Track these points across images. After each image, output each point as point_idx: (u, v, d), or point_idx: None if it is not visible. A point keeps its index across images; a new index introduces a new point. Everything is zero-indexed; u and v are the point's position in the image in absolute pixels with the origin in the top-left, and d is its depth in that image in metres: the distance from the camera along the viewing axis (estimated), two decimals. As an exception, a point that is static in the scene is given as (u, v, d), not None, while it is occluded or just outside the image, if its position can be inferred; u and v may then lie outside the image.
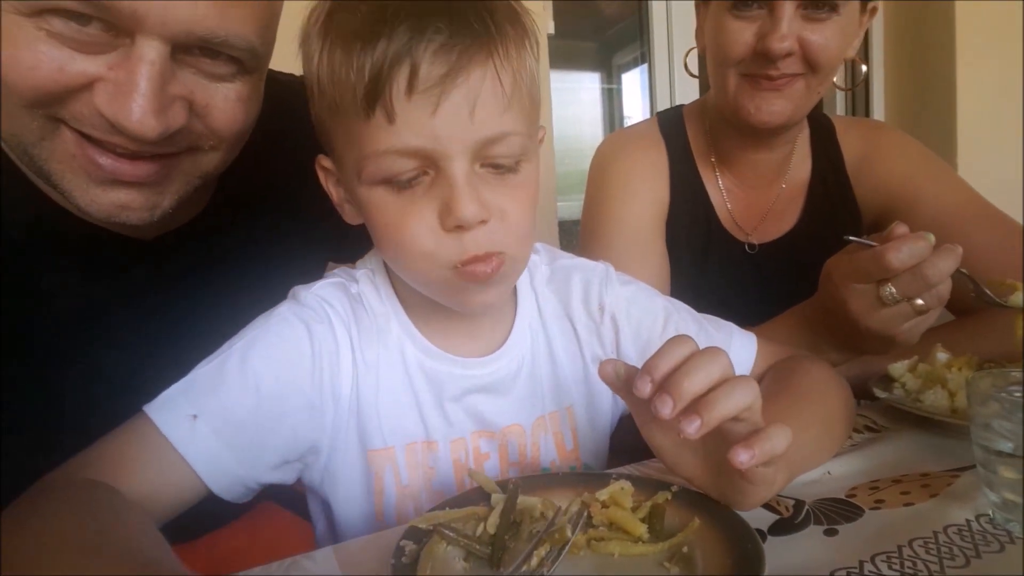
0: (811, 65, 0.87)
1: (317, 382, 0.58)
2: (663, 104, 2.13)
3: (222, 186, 0.70)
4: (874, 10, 0.93)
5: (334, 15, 0.51)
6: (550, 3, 1.73)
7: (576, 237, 1.06)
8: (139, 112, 0.51)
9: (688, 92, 2.01)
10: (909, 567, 0.47)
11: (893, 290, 0.67)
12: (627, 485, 0.53)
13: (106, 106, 0.52)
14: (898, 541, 0.50)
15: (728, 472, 0.47)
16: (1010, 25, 1.98)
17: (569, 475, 0.60)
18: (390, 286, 0.62)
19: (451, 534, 0.48)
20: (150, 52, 0.51)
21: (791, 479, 0.54)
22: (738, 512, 0.50)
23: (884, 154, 1.03)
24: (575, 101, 2.25)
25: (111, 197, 0.56)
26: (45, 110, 0.53)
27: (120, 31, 0.51)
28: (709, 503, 0.51)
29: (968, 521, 0.53)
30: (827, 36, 0.86)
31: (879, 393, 0.75)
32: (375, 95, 0.48)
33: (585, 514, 0.51)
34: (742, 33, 0.87)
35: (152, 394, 0.55)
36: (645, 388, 0.45)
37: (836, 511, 0.55)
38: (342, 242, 0.73)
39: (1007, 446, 0.51)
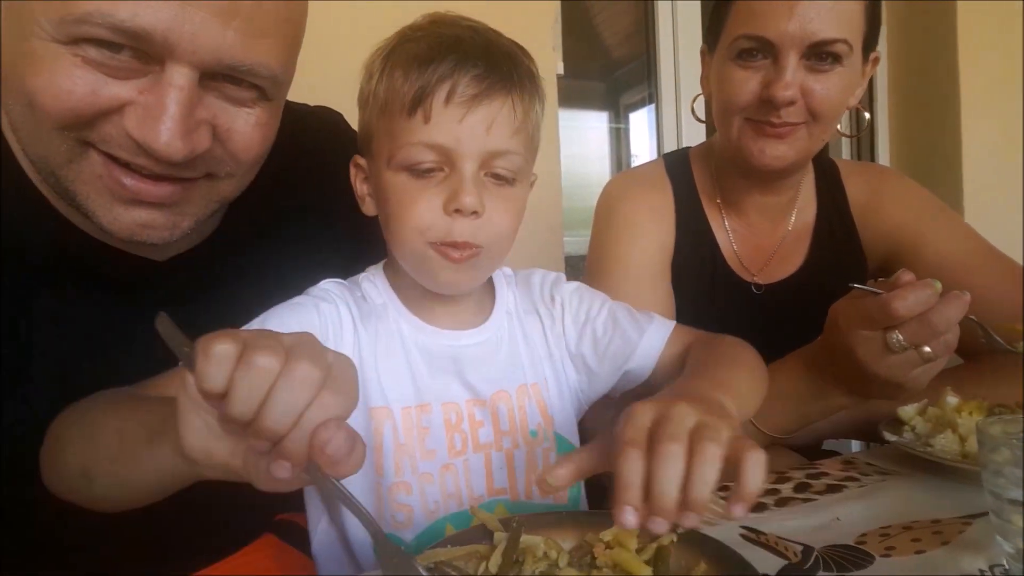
0: (813, 114, 0.89)
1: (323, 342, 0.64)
2: (670, 143, 2.15)
3: (234, 207, 0.72)
4: (876, 60, 0.95)
5: (399, 46, 0.65)
6: (560, 44, 1.77)
7: (581, 273, 1.07)
8: (167, 135, 0.54)
9: (694, 131, 2.03)
10: (922, 618, 0.46)
11: (900, 337, 0.67)
12: None
13: (136, 128, 0.54)
14: (910, 591, 0.49)
15: None
16: (1013, 74, 2.01)
17: (572, 514, 0.59)
18: (388, 284, 0.72)
19: (453, 573, 0.47)
20: (179, 78, 0.54)
21: (741, 420, 0.57)
22: (744, 557, 0.49)
23: (889, 199, 1.04)
24: (583, 140, 2.28)
25: (133, 216, 0.58)
26: (76, 133, 0.55)
27: (151, 58, 0.53)
28: (715, 545, 0.50)
29: (981, 571, 0.52)
30: (829, 86, 0.88)
31: (888, 436, 0.75)
32: (419, 100, 0.61)
33: (589, 555, 0.50)
34: (747, 82, 0.89)
35: None
36: (629, 519, 0.44)
37: (846, 558, 0.54)
38: (352, 264, 0.74)
39: (1020, 494, 0.50)
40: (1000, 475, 0.51)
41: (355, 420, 0.64)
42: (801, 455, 0.87)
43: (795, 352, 0.83)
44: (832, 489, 0.68)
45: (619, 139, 2.34)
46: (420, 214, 0.63)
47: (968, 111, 2.02)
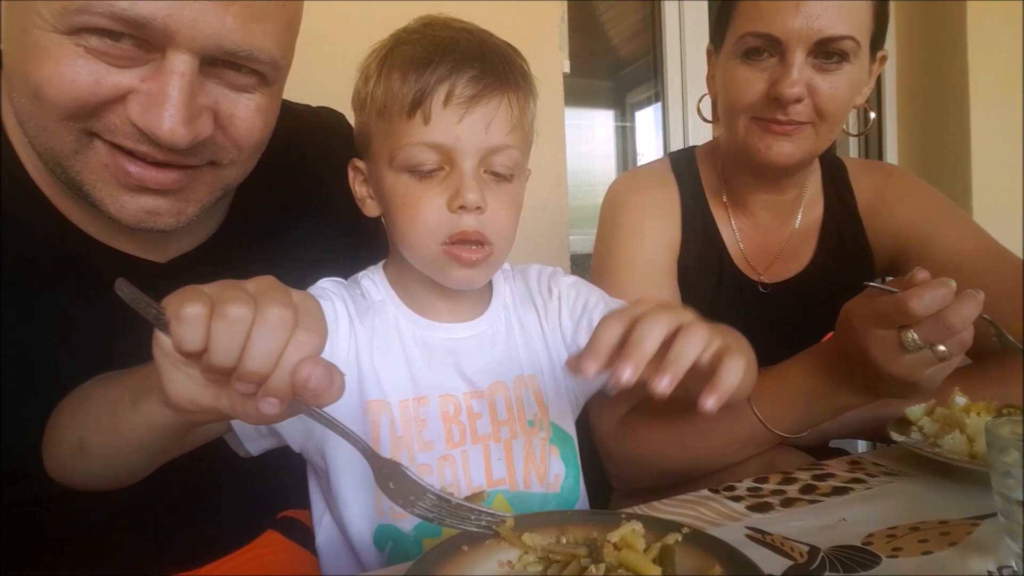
0: (820, 112, 0.88)
1: None
2: (676, 141, 2.14)
3: (236, 207, 0.72)
4: (883, 58, 0.95)
5: (395, 49, 0.66)
6: (566, 43, 1.77)
7: (588, 271, 1.06)
8: (170, 121, 0.54)
9: (701, 130, 2.03)
10: (929, 620, 0.46)
11: (915, 336, 0.66)
12: (638, 527, 0.52)
13: (139, 116, 0.54)
14: (917, 592, 0.49)
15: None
16: (1021, 73, 1.99)
17: (579, 514, 0.59)
18: (387, 281, 0.73)
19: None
20: (181, 65, 0.54)
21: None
22: (751, 558, 0.49)
23: (896, 197, 1.03)
24: (589, 138, 2.28)
25: (140, 203, 0.59)
26: (81, 123, 0.55)
27: (152, 46, 0.54)
28: (721, 546, 0.50)
29: (989, 572, 0.51)
30: (836, 84, 0.87)
31: (896, 437, 0.74)
32: (418, 102, 0.63)
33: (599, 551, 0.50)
34: (753, 81, 0.88)
35: None
36: (591, 368, 0.50)
37: (852, 558, 0.54)
38: (353, 263, 0.75)
39: (1028, 495, 0.50)
40: (1009, 476, 0.51)
41: (350, 417, 0.66)
42: (808, 454, 0.87)
43: (805, 351, 0.82)
44: (838, 491, 0.67)
45: (625, 137, 2.33)
46: (426, 215, 0.64)
47: (977, 109, 2.01)
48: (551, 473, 0.71)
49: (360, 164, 0.71)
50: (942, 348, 0.66)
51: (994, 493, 0.52)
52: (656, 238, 1.00)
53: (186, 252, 0.70)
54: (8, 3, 0.55)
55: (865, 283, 0.71)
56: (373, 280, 0.73)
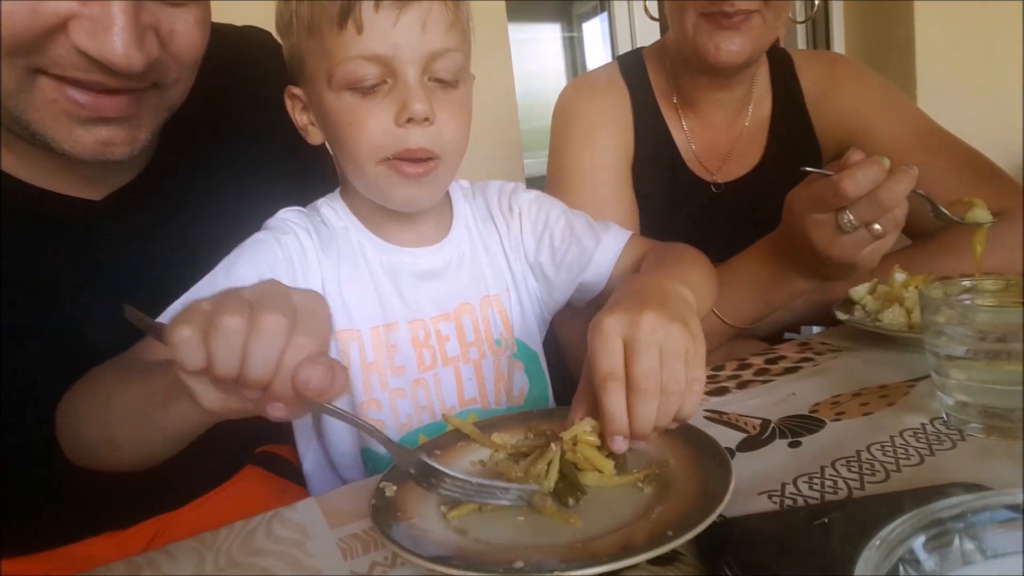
0: None
1: (291, 280, 0.66)
2: (625, 51, 2.10)
3: (165, 137, 0.69)
4: None
5: None
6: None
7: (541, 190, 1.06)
8: (122, 45, 0.52)
9: (649, 36, 1.97)
10: (867, 468, 0.50)
11: (851, 217, 0.68)
12: (592, 423, 0.53)
13: (87, 43, 0.52)
14: (857, 447, 0.53)
15: None
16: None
17: (541, 412, 0.61)
18: (345, 207, 0.71)
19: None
20: None
21: (699, 314, 0.59)
22: (706, 432, 0.52)
23: (841, 85, 1.04)
24: (536, 54, 2.22)
25: (94, 135, 0.58)
26: (24, 60, 0.53)
27: None
28: (677, 429, 0.53)
29: (923, 424, 0.55)
30: None
31: (841, 316, 0.78)
32: (348, 10, 0.59)
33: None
34: None
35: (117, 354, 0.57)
36: (620, 446, 0.50)
37: (800, 425, 0.58)
38: (304, 187, 0.73)
39: (959, 350, 0.53)
40: (941, 335, 0.54)
41: None
42: (764, 343, 0.91)
43: (756, 242, 0.85)
44: (789, 371, 0.71)
45: (574, 49, 2.27)
46: (371, 133, 0.61)
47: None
48: (515, 388, 0.73)
49: (296, 91, 0.67)
50: (877, 227, 0.68)
51: (927, 353, 0.56)
52: (608, 144, 1.00)
53: (120, 187, 0.68)
54: None
55: (802, 168, 0.72)
56: (333, 208, 0.71)
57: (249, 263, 0.64)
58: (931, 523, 0.30)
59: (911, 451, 0.51)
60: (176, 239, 0.69)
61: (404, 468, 0.48)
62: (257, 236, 0.67)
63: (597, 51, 2.22)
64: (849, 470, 0.50)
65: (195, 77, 0.64)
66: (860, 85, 1.04)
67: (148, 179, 0.69)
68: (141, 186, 0.69)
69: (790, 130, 1.06)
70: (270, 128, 0.75)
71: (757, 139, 1.05)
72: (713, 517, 0.41)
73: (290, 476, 0.81)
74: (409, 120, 0.61)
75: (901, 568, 0.29)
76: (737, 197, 1.04)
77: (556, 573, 0.38)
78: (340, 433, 0.69)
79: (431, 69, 0.62)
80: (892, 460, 0.50)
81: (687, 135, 1.04)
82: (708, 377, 0.72)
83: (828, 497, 0.47)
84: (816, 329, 0.92)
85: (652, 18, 1.09)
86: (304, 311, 0.44)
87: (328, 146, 0.71)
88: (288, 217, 0.69)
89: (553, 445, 0.51)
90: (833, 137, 1.05)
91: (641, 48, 1.10)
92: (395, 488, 0.49)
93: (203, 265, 0.63)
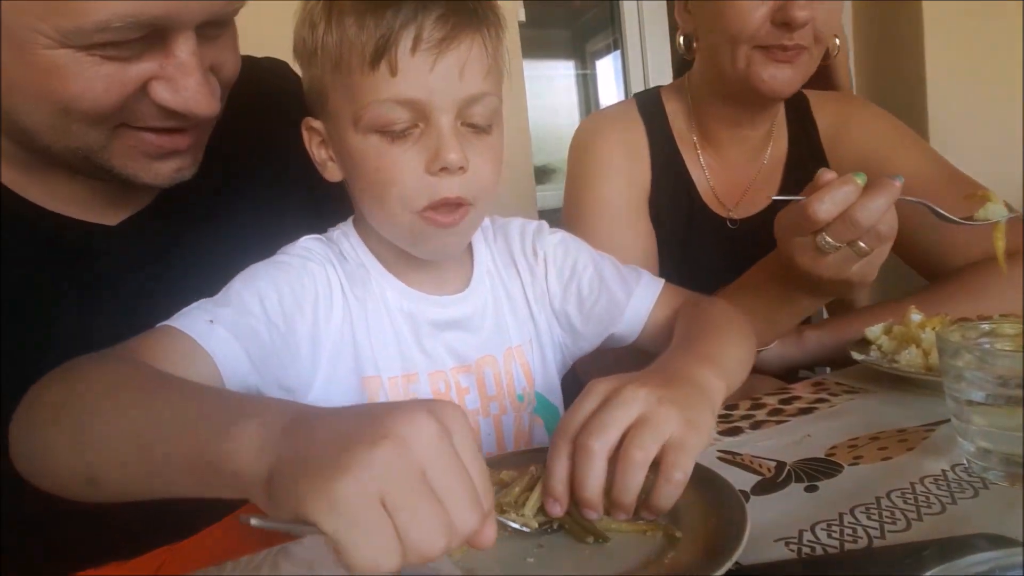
0: (816, 35, 0.89)
1: (315, 310, 0.63)
2: (637, 89, 2.13)
3: None
4: None
5: None
6: (521, -8, 1.73)
7: (556, 225, 1.07)
8: (202, 97, 0.60)
9: (661, 75, 2.01)
10: (888, 516, 0.48)
11: (828, 238, 0.66)
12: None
13: (170, 99, 0.59)
14: (876, 493, 0.51)
15: None
16: (976, -2, 2.00)
17: (542, 450, 0.61)
18: (363, 244, 0.68)
19: None
20: (188, 43, 0.58)
21: (730, 391, 0.57)
22: (720, 474, 0.51)
23: (855, 125, 1.05)
24: (550, 90, 2.26)
25: (170, 166, 0.65)
26: (113, 122, 0.59)
27: (155, 33, 0.56)
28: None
29: (944, 471, 0.54)
30: (830, 6, 0.88)
31: (856, 356, 0.77)
32: (383, 51, 0.56)
33: None
34: (755, 9, 0.87)
35: None
36: (555, 510, 0.47)
37: (816, 469, 0.57)
38: (316, 219, 0.73)
39: (979, 395, 0.52)
40: (961, 379, 0.53)
41: (347, 394, 0.64)
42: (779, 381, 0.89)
43: (756, 264, 0.84)
44: (804, 411, 0.70)
45: (587, 86, 2.31)
46: (402, 181, 0.58)
47: (932, 36, 2.02)
48: (535, 444, 0.70)
49: (316, 124, 0.63)
50: (862, 244, 0.66)
51: (946, 398, 0.55)
52: (625, 177, 1.00)
53: (135, 213, 0.70)
54: None
55: (772, 198, 0.71)
56: (350, 242, 0.67)
57: (271, 281, 0.61)
58: (958, 579, 0.29)
59: (932, 499, 0.50)
60: (190, 264, 0.70)
61: None
62: (281, 258, 0.64)
63: (609, 88, 2.25)
64: (869, 517, 0.48)
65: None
66: (875, 124, 1.05)
67: (163, 205, 0.71)
68: (155, 211, 0.71)
69: (806, 168, 1.06)
70: (285, 156, 0.76)
71: (774, 176, 1.06)
72: (728, 565, 0.40)
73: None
74: (443, 169, 0.58)
75: (927, 626, 0.28)
76: (753, 232, 1.04)
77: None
78: None
79: (465, 114, 0.59)
80: (913, 508, 0.49)
81: (705, 171, 1.04)
82: (720, 416, 0.70)
83: (848, 546, 0.45)
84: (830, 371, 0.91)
85: (687, 58, 1.09)
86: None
87: (347, 185, 0.67)
88: (313, 247, 0.66)
89: (534, 468, 0.49)
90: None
91: (659, 86, 1.12)
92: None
93: (216, 291, 0.64)
